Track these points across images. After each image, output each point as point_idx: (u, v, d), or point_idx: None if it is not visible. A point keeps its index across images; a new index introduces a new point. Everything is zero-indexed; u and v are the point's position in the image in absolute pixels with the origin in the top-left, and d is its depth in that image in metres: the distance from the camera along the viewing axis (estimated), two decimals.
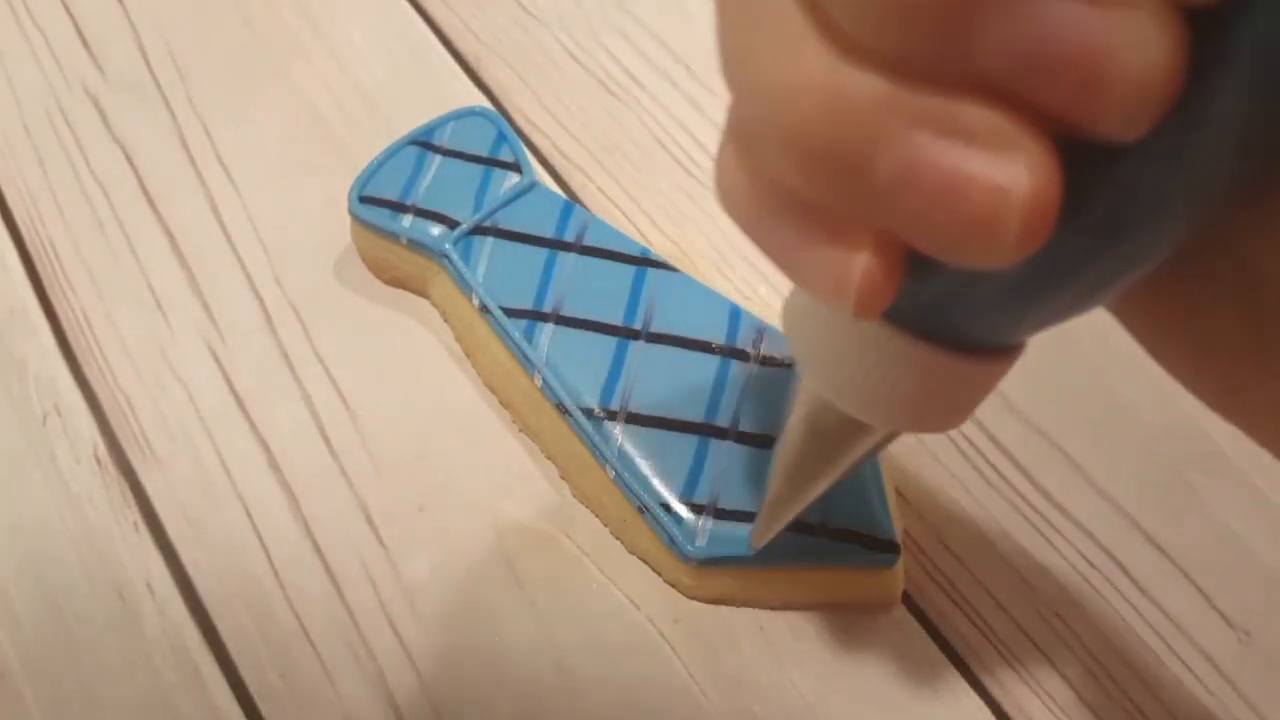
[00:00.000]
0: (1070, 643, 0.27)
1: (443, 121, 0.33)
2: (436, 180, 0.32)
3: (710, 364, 0.29)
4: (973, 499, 0.29)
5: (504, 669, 0.27)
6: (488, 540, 0.29)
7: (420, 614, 0.28)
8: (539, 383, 0.29)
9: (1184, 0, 0.11)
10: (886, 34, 0.12)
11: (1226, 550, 0.29)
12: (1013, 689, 0.27)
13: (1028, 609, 0.28)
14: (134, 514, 0.29)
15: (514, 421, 0.30)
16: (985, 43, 0.12)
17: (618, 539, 0.29)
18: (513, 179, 0.32)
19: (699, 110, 0.36)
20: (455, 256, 0.30)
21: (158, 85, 0.37)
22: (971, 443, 0.30)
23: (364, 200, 0.31)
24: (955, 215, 0.12)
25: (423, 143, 0.32)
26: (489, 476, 0.30)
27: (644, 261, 0.30)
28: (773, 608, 0.28)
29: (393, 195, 0.31)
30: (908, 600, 0.28)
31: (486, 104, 0.36)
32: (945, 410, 0.18)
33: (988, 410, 0.31)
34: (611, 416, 0.28)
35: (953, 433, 0.30)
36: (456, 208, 0.31)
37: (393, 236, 0.31)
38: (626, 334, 0.29)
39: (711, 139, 0.35)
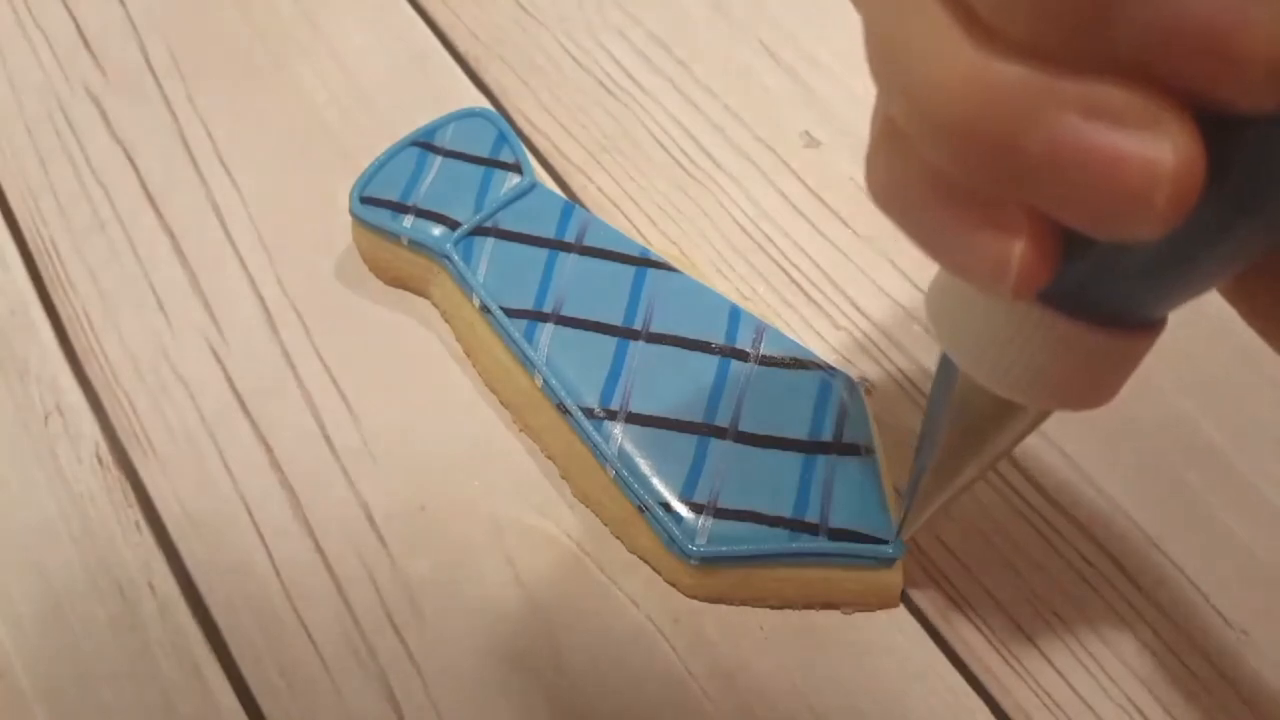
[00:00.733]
0: (1070, 643, 0.27)
1: (443, 122, 0.33)
2: (437, 181, 0.32)
3: (710, 364, 0.29)
4: (973, 499, 0.29)
5: (504, 669, 0.27)
6: (488, 540, 0.29)
7: (421, 613, 0.28)
8: (539, 383, 0.29)
9: None
10: (1030, 24, 0.13)
11: (1226, 550, 0.29)
12: (1013, 689, 0.27)
13: (1028, 609, 0.28)
14: (135, 513, 0.29)
15: (514, 421, 0.30)
16: (1125, 26, 0.12)
17: (618, 539, 0.29)
18: (513, 179, 0.32)
19: (699, 110, 0.36)
20: (456, 257, 0.30)
21: (158, 85, 0.37)
22: None
23: (365, 201, 0.31)
24: (1108, 190, 0.13)
25: (423, 143, 0.32)
26: (489, 476, 0.30)
27: (644, 261, 0.31)
28: (773, 607, 0.28)
29: (394, 196, 0.31)
30: (908, 600, 0.28)
31: (486, 104, 0.36)
32: (1095, 386, 0.18)
33: None
34: (611, 416, 0.28)
35: None
36: (457, 208, 0.31)
37: (394, 237, 0.31)
38: (626, 334, 0.29)
39: (711, 139, 0.35)
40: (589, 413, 0.28)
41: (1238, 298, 0.19)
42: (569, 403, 0.28)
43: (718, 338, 0.29)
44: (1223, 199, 0.14)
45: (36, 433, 0.31)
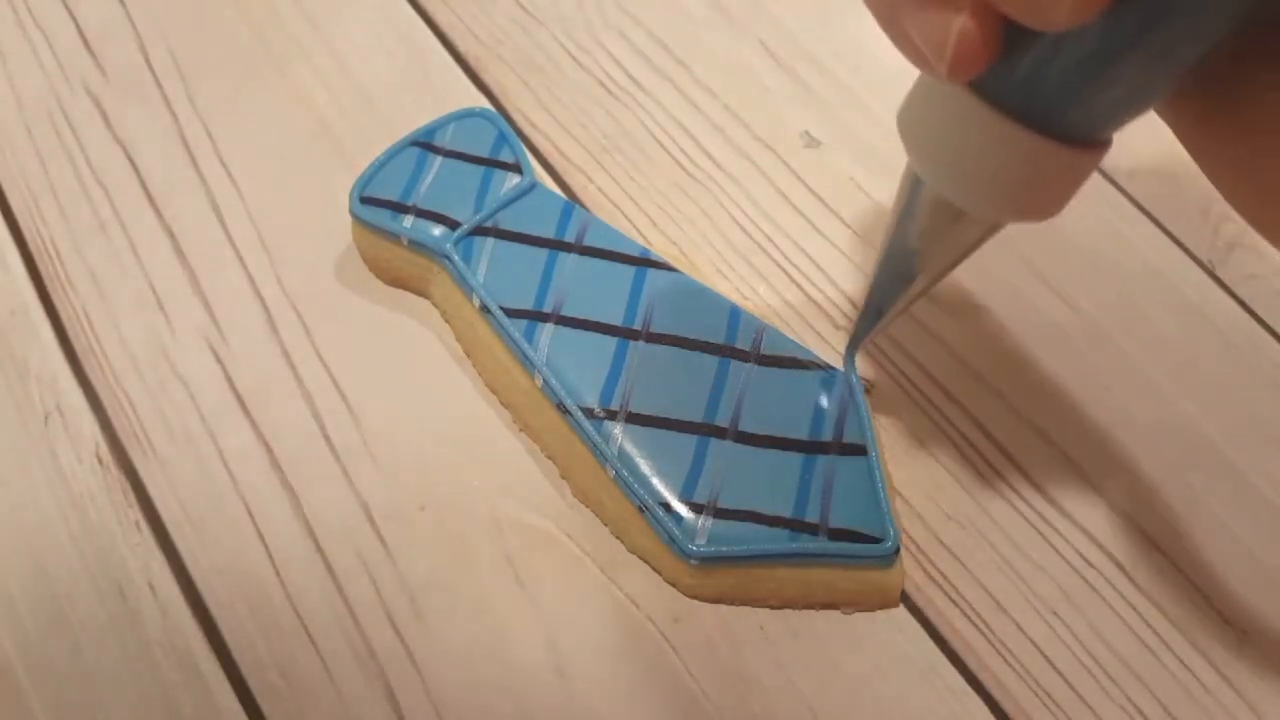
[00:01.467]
0: (1069, 642, 0.28)
1: (443, 122, 0.33)
2: (437, 181, 0.32)
3: (710, 364, 0.29)
4: (973, 499, 0.29)
5: (504, 669, 0.27)
6: (488, 540, 0.29)
7: (421, 613, 0.28)
8: (539, 383, 0.29)
9: None
10: None
11: (1225, 550, 0.29)
12: (1013, 689, 0.27)
13: (1027, 609, 0.28)
14: (135, 513, 0.29)
15: (514, 421, 0.30)
16: None
17: (618, 538, 0.29)
18: (513, 180, 0.32)
19: (699, 110, 0.36)
20: (456, 257, 0.30)
21: (158, 85, 0.37)
22: (971, 443, 0.30)
23: (365, 201, 0.31)
24: None
25: (424, 143, 0.32)
26: (489, 476, 0.30)
27: (644, 261, 0.31)
28: (773, 607, 0.28)
29: (394, 196, 0.31)
30: (907, 600, 0.28)
31: (486, 104, 0.36)
32: (1043, 198, 0.20)
33: (988, 410, 0.31)
34: (611, 416, 0.28)
35: (952, 433, 0.30)
36: (457, 208, 0.31)
37: (394, 237, 0.31)
38: (626, 334, 0.29)
39: (711, 139, 0.35)
40: (589, 413, 0.28)
41: (1179, 130, 0.21)
42: (569, 403, 0.28)
43: (718, 338, 0.29)
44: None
45: (36, 433, 0.31)
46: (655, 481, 0.27)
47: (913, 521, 0.29)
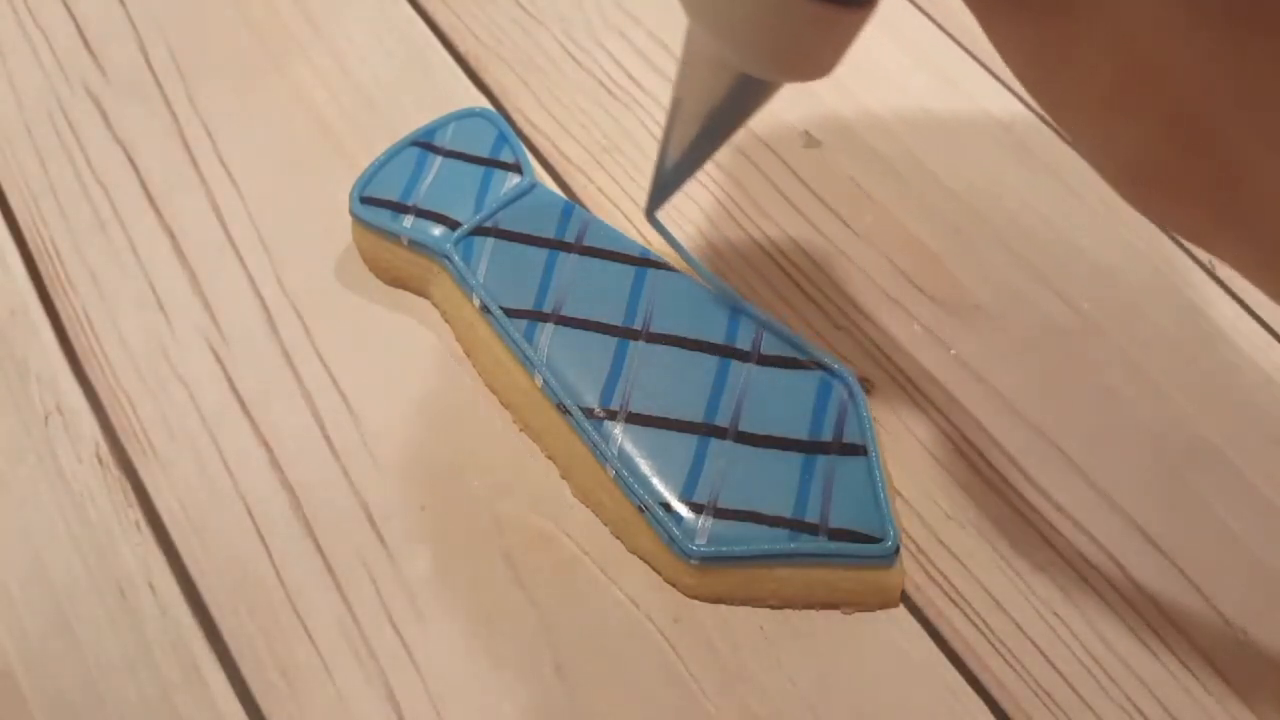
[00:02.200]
0: (1069, 642, 0.28)
1: (443, 122, 0.33)
2: (437, 181, 0.32)
3: (710, 364, 0.29)
4: (972, 499, 0.29)
5: (504, 669, 0.27)
6: (488, 540, 0.29)
7: (421, 613, 0.28)
8: (539, 383, 0.29)
9: None
10: None
11: (1225, 550, 0.29)
12: (1013, 689, 0.27)
13: (1027, 609, 0.28)
14: (135, 513, 0.29)
15: (514, 421, 0.30)
16: None
17: (618, 538, 0.29)
18: (513, 180, 0.32)
19: None
20: (456, 257, 0.30)
21: (159, 85, 0.37)
22: (971, 443, 0.30)
23: (365, 201, 0.31)
24: None
25: (424, 144, 0.32)
26: (489, 476, 0.30)
27: (644, 261, 0.31)
28: (773, 607, 0.28)
29: (394, 196, 0.31)
30: (907, 600, 0.28)
31: (486, 104, 0.36)
32: (811, 57, 0.21)
33: (988, 410, 0.31)
34: (611, 416, 0.28)
35: (952, 432, 0.30)
36: (457, 208, 0.31)
37: (394, 237, 0.31)
38: (626, 334, 0.29)
39: None
40: (589, 413, 0.28)
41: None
42: (569, 403, 0.28)
43: (718, 338, 0.29)
44: None
45: (36, 432, 0.31)
46: (655, 481, 0.27)
47: (913, 521, 0.29)
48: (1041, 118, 0.36)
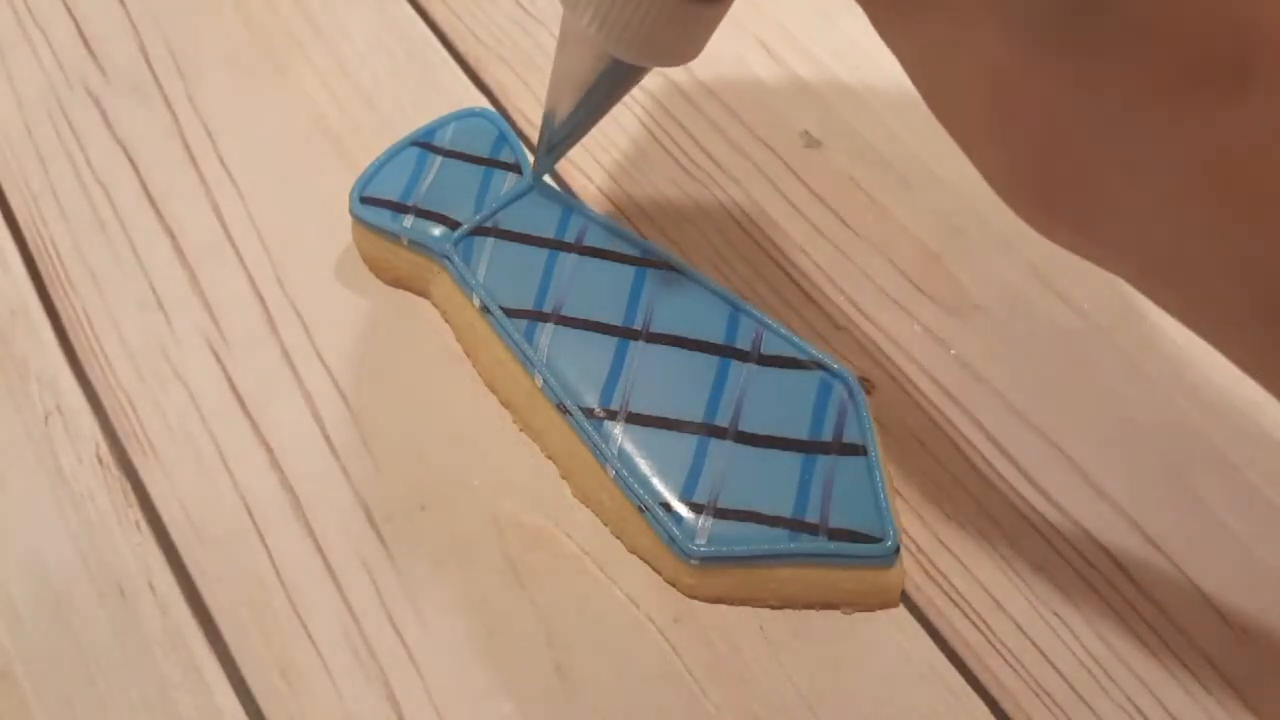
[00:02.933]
0: (1069, 642, 0.27)
1: (444, 122, 0.33)
2: (437, 181, 0.32)
3: (710, 364, 0.29)
4: (973, 499, 0.29)
5: (504, 669, 0.27)
6: (488, 540, 0.29)
7: (421, 613, 0.28)
8: (539, 383, 0.29)
9: None
10: None
11: (1225, 550, 0.29)
12: (1013, 689, 0.27)
13: (1028, 609, 0.28)
14: (135, 513, 0.29)
15: (514, 421, 0.30)
16: None
17: (618, 538, 0.29)
18: (513, 180, 0.32)
19: (698, 110, 0.36)
20: (456, 257, 0.30)
21: (159, 85, 0.37)
22: (971, 443, 0.30)
23: (365, 201, 0.31)
24: None
25: (424, 143, 0.32)
26: (489, 476, 0.30)
27: (644, 261, 0.31)
28: (773, 607, 0.28)
29: (394, 196, 0.32)
30: (907, 600, 0.28)
31: (486, 104, 0.36)
32: (677, 44, 0.24)
33: (988, 410, 0.31)
34: (611, 416, 0.28)
35: (953, 432, 0.30)
36: (457, 208, 0.31)
37: (394, 237, 0.31)
38: (626, 334, 0.29)
39: (711, 139, 0.35)
40: (589, 413, 0.28)
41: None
42: (569, 403, 0.28)
43: (718, 338, 0.29)
44: None
45: (36, 433, 0.31)
46: (655, 481, 0.27)
47: (913, 521, 0.29)
48: None
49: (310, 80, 0.37)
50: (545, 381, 0.29)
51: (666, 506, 0.27)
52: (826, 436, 0.28)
